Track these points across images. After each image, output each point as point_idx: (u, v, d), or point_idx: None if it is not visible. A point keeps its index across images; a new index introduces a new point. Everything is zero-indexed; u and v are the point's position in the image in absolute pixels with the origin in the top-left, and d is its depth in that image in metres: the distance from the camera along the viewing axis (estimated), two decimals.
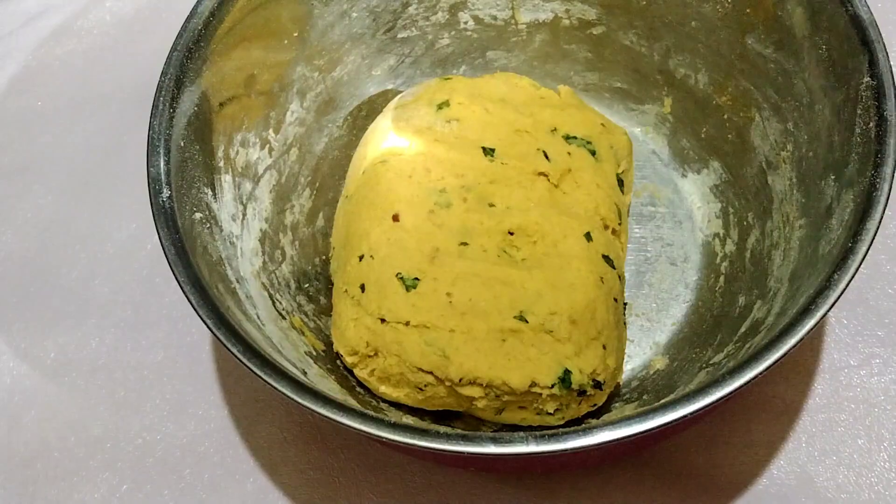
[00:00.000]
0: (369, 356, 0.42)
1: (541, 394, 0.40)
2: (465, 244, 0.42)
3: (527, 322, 0.40)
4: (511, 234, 0.43)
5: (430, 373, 0.40)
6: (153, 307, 0.51)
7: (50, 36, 0.62)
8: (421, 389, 0.41)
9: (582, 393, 0.40)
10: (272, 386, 0.34)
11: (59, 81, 0.60)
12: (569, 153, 0.45)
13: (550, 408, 0.40)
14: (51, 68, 0.60)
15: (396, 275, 0.42)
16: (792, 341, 0.33)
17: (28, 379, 0.50)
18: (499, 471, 0.45)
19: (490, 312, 0.40)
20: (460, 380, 0.40)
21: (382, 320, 0.41)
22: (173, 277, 0.37)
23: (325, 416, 0.33)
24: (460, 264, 0.42)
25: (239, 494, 0.46)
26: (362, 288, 0.42)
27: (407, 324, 0.41)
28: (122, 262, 0.53)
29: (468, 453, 0.33)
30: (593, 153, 0.46)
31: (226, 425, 0.48)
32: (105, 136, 0.57)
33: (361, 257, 0.43)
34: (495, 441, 0.33)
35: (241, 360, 0.35)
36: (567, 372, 0.39)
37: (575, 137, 0.46)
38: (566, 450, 0.32)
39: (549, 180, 0.44)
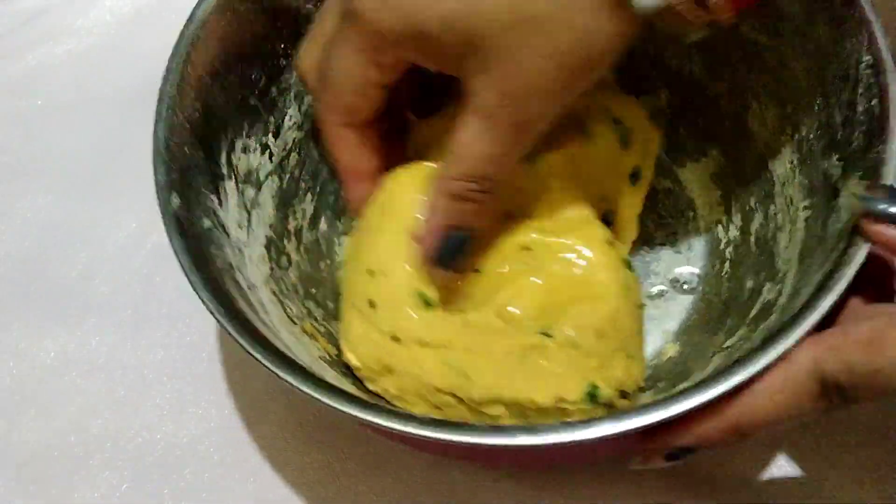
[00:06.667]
0: (381, 374, 0.40)
1: (567, 409, 0.38)
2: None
3: (550, 337, 0.39)
4: (529, 249, 0.41)
5: (451, 393, 0.39)
6: (153, 307, 0.51)
7: (50, 36, 0.62)
8: (438, 409, 0.40)
9: (609, 406, 0.39)
10: (305, 392, 0.33)
11: (59, 81, 0.60)
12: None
13: None
14: (51, 68, 0.60)
15: (416, 293, 0.40)
16: (814, 317, 0.33)
17: (28, 379, 0.50)
18: (524, 467, 0.45)
19: (508, 329, 0.39)
20: (483, 400, 0.38)
21: (395, 339, 0.40)
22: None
23: (364, 420, 0.33)
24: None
25: (239, 494, 0.46)
26: (371, 304, 0.40)
27: (422, 343, 0.39)
28: (122, 261, 0.53)
29: (503, 446, 0.32)
30: (625, 142, 0.45)
31: (226, 425, 0.47)
32: (105, 136, 0.57)
33: (372, 272, 0.41)
34: (528, 431, 0.32)
35: (269, 368, 0.34)
36: (594, 386, 0.38)
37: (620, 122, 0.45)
38: (593, 439, 0.32)
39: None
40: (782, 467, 0.44)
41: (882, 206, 0.33)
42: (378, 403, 0.34)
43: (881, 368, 0.31)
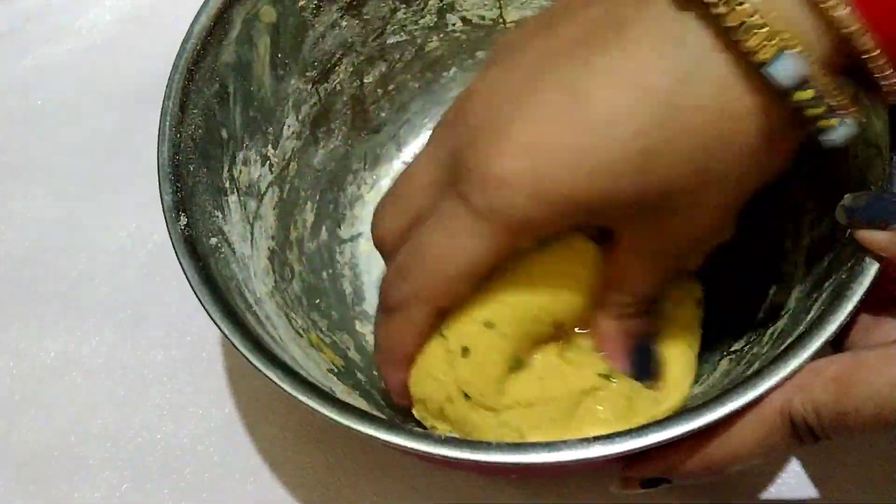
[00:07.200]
0: (435, 418, 0.38)
1: None
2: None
3: (612, 381, 0.37)
4: None
5: None
6: (153, 307, 0.51)
7: (50, 35, 0.62)
8: None
9: None
10: (318, 411, 0.33)
11: (59, 81, 0.60)
12: None
13: None
14: (51, 68, 0.60)
15: (516, 357, 0.37)
16: (834, 327, 0.33)
17: (28, 379, 0.50)
18: (544, 477, 0.45)
19: (570, 371, 0.37)
20: None
21: (466, 396, 0.37)
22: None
23: (385, 441, 0.32)
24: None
25: (239, 494, 0.46)
26: (464, 351, 0.36)
27: (488, 408, 0.37)
28: (122, 261, 0.53)
29: (522, 464, 0.31)
30: None
31: (226, 425, 0.48)
32: (105, 136, 0.57)
33: (491, 325, 0.36)
34: (550, 448, 0.32)
35: (282, 388, 0.34)
36: None
37: None
38: (623, 452, 0.31)
39: None
40: (783, 467, 0.44)
41: (863, 212, 0.33)
42: (394, 422, 0.33)
43: (847, 412, 0.31)
